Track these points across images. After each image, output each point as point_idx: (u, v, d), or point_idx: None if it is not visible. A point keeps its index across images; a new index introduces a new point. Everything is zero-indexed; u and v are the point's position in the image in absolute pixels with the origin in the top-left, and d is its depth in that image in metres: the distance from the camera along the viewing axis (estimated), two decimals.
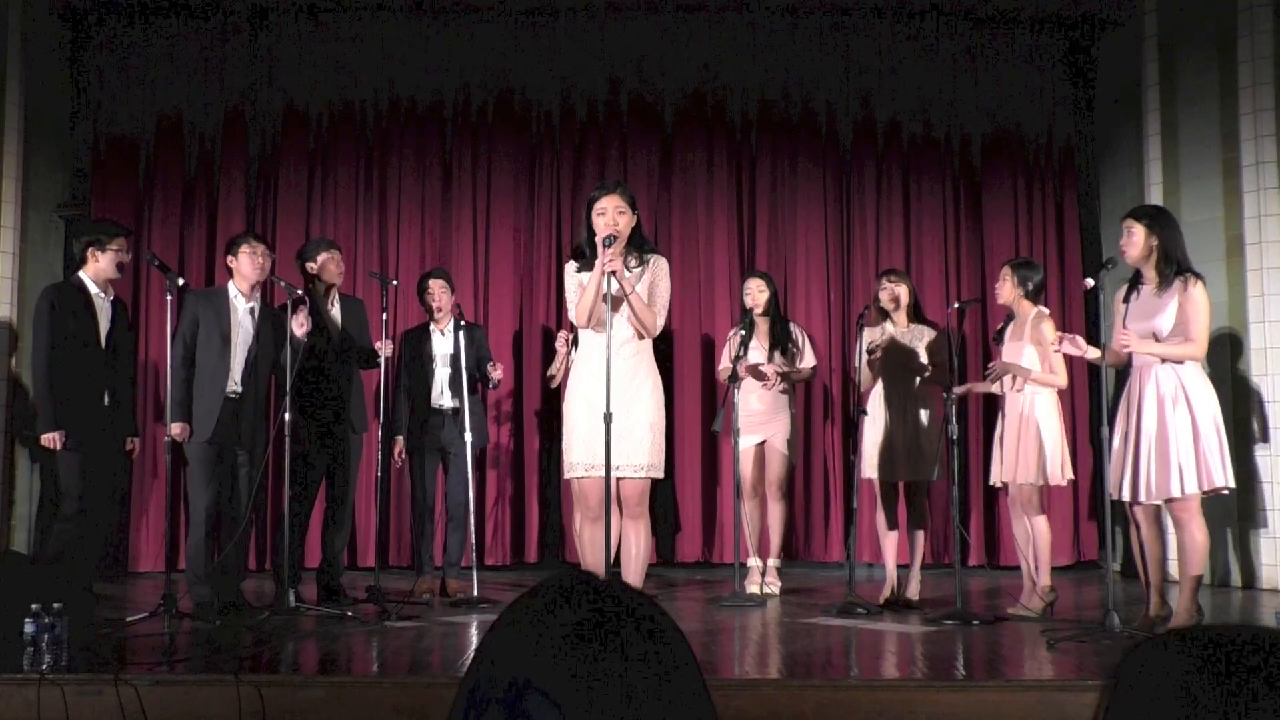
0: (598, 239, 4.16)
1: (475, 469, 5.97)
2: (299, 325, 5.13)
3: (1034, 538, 5.21)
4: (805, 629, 4.78)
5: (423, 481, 5.98)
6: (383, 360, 5.39)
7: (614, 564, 4.19)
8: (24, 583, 4.06)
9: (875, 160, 7.59)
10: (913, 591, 5.59)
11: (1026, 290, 5.27)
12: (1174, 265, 4.54)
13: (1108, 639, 4.20)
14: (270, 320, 5.34)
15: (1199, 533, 4.48)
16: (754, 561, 6.03)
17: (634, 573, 4.23)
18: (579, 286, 4.29)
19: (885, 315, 5.73)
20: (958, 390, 5.34)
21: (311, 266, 5.66)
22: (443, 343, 6.01)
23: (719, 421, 6.10)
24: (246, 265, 5.25)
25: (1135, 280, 4.70)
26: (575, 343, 4.66)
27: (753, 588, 5.87)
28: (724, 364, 6.13)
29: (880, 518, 5.65)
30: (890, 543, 5.64)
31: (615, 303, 4.09)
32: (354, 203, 7.41)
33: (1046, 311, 5.33)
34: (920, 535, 5.63)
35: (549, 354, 6.27)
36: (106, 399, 5.23)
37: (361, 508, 6.65)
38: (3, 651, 3.71)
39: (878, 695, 3.46)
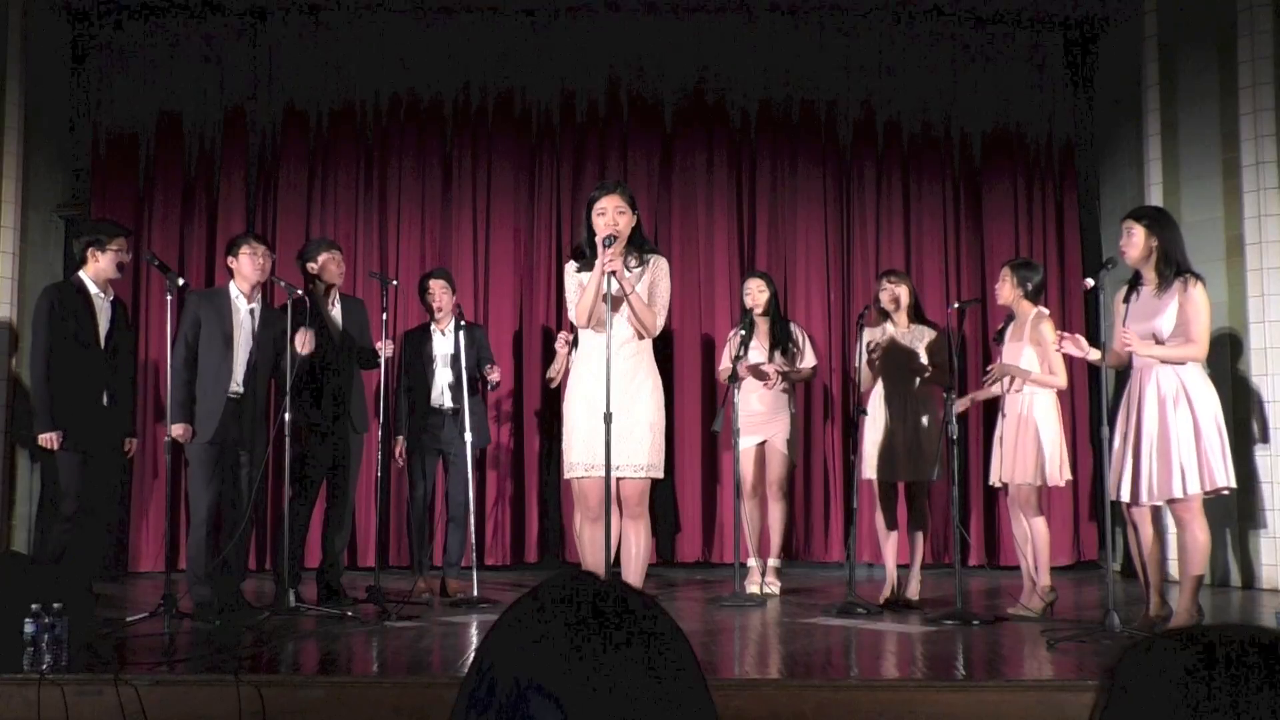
0: (598, 239, 4.16)
1: (475, 469, 5.97)
2: (301, 344, 5.14)
3: (1032, 538, 5.21)
4: (805, 629, 4.77)
5: (423, 481, 5.98)
6: (383, 360, 5.39)
7: (614, 564, 4.19)
8: (24, 583, 4.06)
9: (875, 160, 7.59)
10: (913, 591, 5.59)
11: (1026, 290, 5.27)
12: (1174, 266, 4.54)
13: (1108, 639, 4.19)
14: (271, 321, 5.34)
15: (1201, 533, 4.48)
16: (754, 561, 6.03)
17: (634, 573, 4.23)
18: (579, 286, 4.29)
19: (885, 316, 5.73)
20: (958, 407, 5.35)
21: (312, 267, 5.66)
22: (443, 343, 6.01)
23: (719, 421, 6.10)
24: (247, 266, 5.26)
25: (1135, 281, 4.70)
26: (575, 343, 4.66)
27: (753, 588, 5.87)
28: (724, 364, 6.13)
29: (879, 518, 5.65)
30: (890, 543, 5.64)
31: (615, 303, 4.09)
32: (354, 203, 7.41)
33: (1046, 312, 5.33)
34: (920, 536, 5.63)
35: (549, 354, 6.27)
36: (105, 399, 5.23)
37: (361, 508, 6.65)
38: (3, 651, 3.71)
39: (878, 695, 3.46)
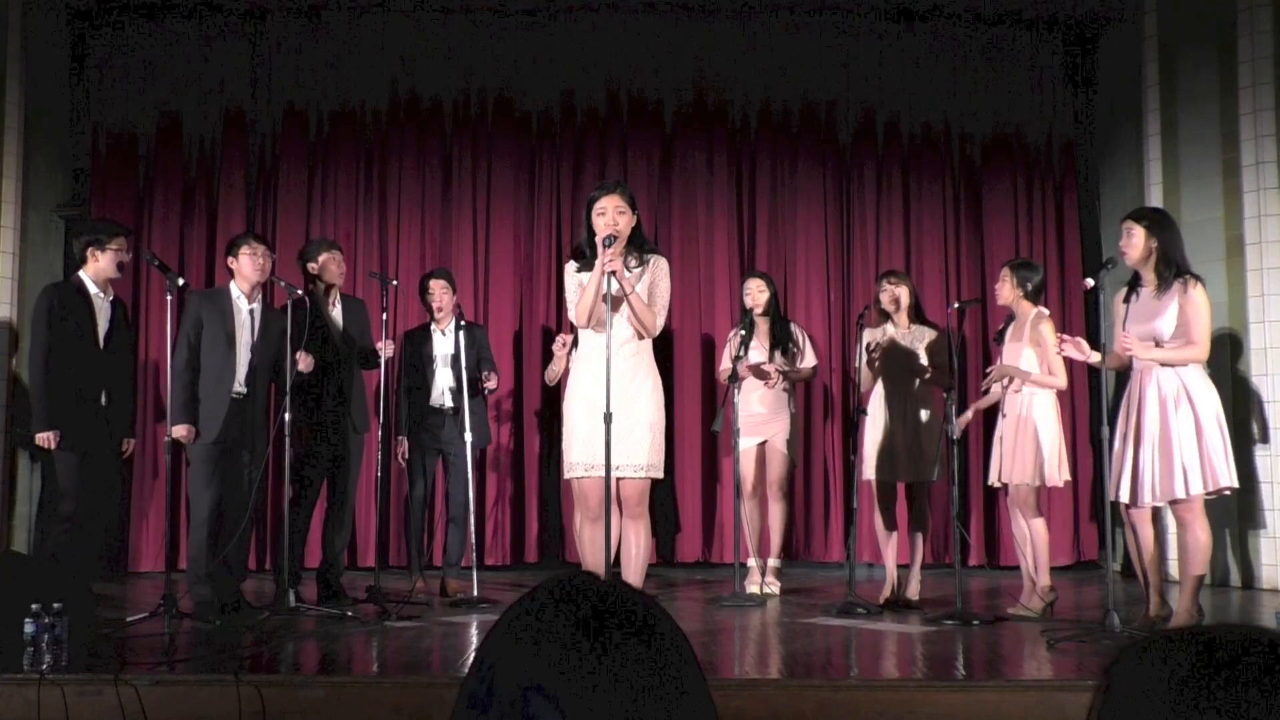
0: (598, 239, 4.16)
1: (475, 469, 5.97)
2: (302, 364, 5.15)
3: (1031, 538, 5.21)
4: (805, 629, 4.77)
5: (422, 481, 5.98)
6: (384, 361, 5.39)
7: (614, 564, 4.19)
8: (24, 583, 4.06)
9: (875, 160, 7.59)
10: (913, 591, 5.60)
11: (1026, 291, 5.27)
12: (1173, 268, 4.55)
13: (1108, 639, 4.19)
14: (272, 321, 5.34)
15: (1202, 533, 4.48)
16: (754, 561, 6.03)
17: (634, 573, 4.23)
18: (579, 286, 4.29)
19: (886, 316, 5.73)
20: (961, 423, 5.36)
21: (313, 267, 5.66)
22: (444, 343, 6.02)
23: (719, 421, 6.10)
24: (247, 266, 5.25)
25: (1134, 282, 4.70)
26: (575, 344, 4.66)
27: (753, 588, 5.87)
28: (724, 364, 6.13)
29: (879, 519, 5.65)
30: (890, 543, 5.65)
31: (615, 303, 4.09)
32: (354, 203, 7.42)
33: (1046, 312, 5.32)
34: (920, 536, 5.64)
35: (549, 354, 6.27)
36: (104, 399, 5.22)
37: (361, 508, 6.65)
38: (3, 651, 3.71)
39: (878, 695, 3.46)
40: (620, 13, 7.48)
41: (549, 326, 7.29)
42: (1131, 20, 7.13)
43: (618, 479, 4.16)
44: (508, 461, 7.25)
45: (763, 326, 6.08)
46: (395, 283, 6.11)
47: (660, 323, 4.31)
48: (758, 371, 5.92)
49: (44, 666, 3.55)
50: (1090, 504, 7.23)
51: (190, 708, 3.38)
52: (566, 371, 5.26)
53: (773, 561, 6.05)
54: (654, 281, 4.29)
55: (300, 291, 5.41)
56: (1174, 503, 4.50)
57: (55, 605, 3.69)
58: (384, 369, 5.39)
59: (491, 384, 6.00)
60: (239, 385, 5.20)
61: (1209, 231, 6.50)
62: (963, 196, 7.60)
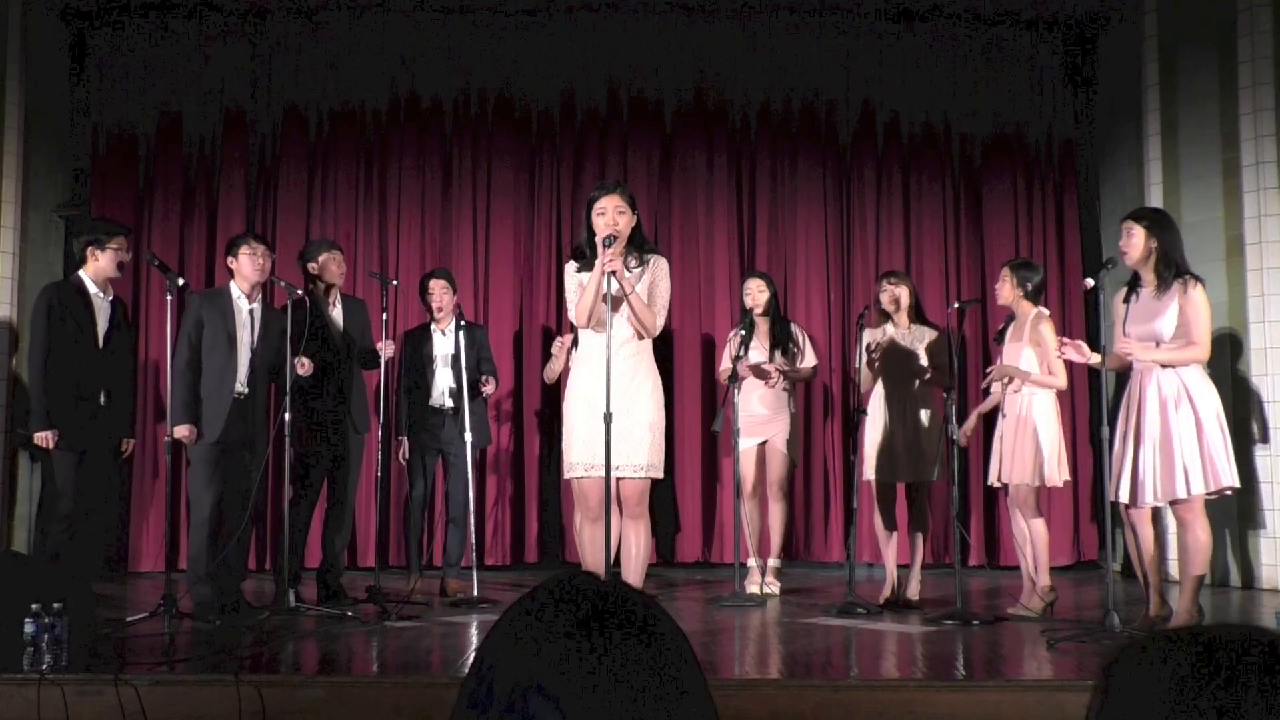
0: (598, 239, 4.16)
1: (475, 469, 5.97)
2: (301, 368, 5.16)
3: (1031, 538, 5.21)
4: (805, 629, 4.77)
5: (422, 481, 5.98)
6: (384, 361, 5.39)
7: (614, 564, 4.19)
8: (24, 583, 4.06)
9: (875, 160, 7.59)
10: (913, 591, 5.60)
11: (1026, 291, 5.27)
12: (1173, 268, 4.55)
13: (1108, 639, 4.19)
14: (272, 320, 5.34)
15: (1202, 533, 4.48)
16: (754, 561, 6.03)
17: (634, 573, 4.23)
18: (579, 286, 4.29)
19: (886, 317, 5.73)
20: (964, 434, 5.36)
21: (313, 267, 5.66)
22: (444, 343, 6.02)
23: (719, 421, 6.10)
24: (247, 266, 5.25)
25: (1134, 282, 4.70)
26: (575, 344, 4.66)
27: (753, 588, 5.87)
28: (724, 364, 6.13)
29: (878, 519, 5.66)
30: (890, 543, 5.65)
31: (615, 303, 4.09)
32: (354, 203, 7.41)
33: (1046, 312, 5.32)
34: (920, 536, 5.64)
35: (549, 354, 6.27)
36: (103, 398, 5.22)
37: (361, 508, 6.64)
38: (3, 651, 3.71)
39: (878, 695, 3.46)
40: (620, 13, 7.48)
41: (549, 326, 7.29)
42: (1131, 20, 7.13)
43: (618, 479, 4.16)
44: (508, 461, 7.25)
45: (763, 326, 6.08)
46: (395, 283, 6.11)
47: (660, 323, 4.31)
48: (758, 371, 5.91)
49: (44, 666, 3.55)
50: (1090, 504, 7.23)
51: (190, 708, 3.38)
52: (566, 371, 5.26)
53: (773, 561, 6.05)
54: (654, 281, 4.29)
55: (300, 291, 5.41)
56: (1174, 503, 4.50)
57: (55, 605, 3.69)
58: (384, 369, 5.39)
59: (489, 389, 6.00)
60: (240, 385, 5.20)
61: (1209, 231, 6.50)
62: (963, 196, 7.60)
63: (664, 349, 6.75)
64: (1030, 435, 5.11)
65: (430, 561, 6.35)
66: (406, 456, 6.02)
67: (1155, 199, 6.71)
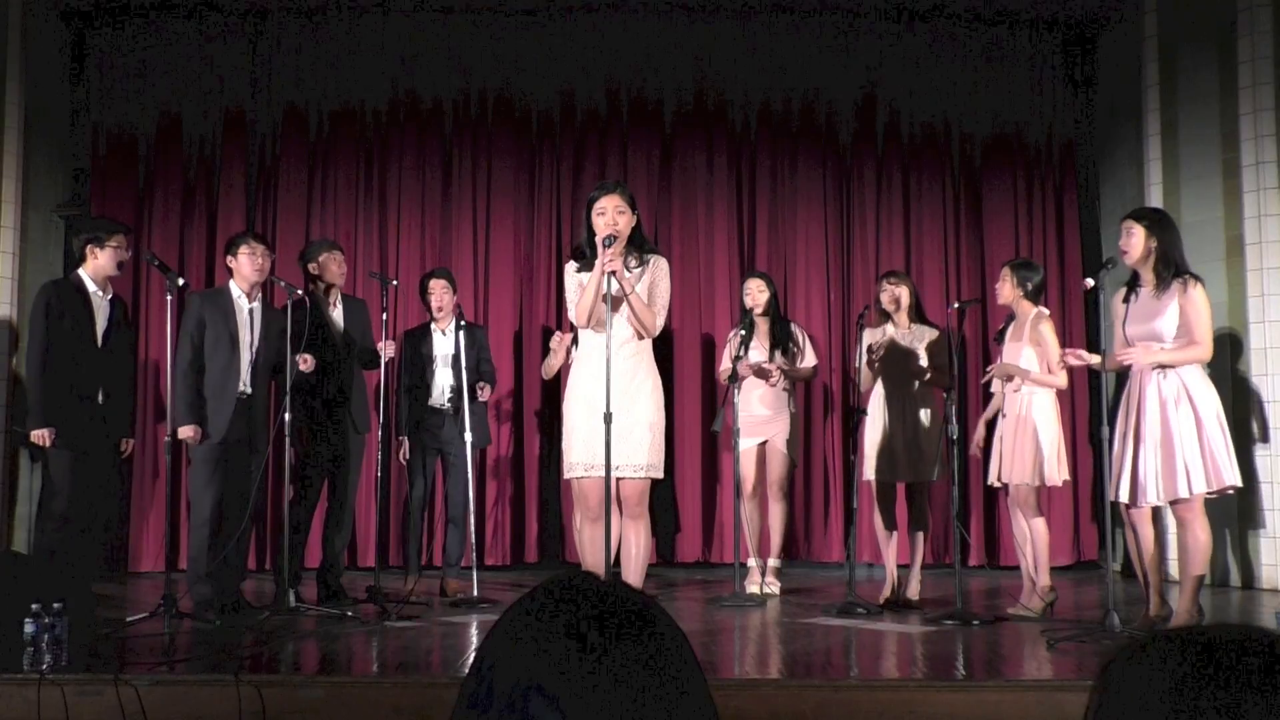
0: (598, 239, 4.16)
1: (475, 469, 5.97)
2: (303, 364, 5.16)
3: (1032, 538, 5.21)
4: (805, 629, 4.78)
5: (422, 481, 5.98)
6: (384, 361, 5.39)
7: (614, 564, 4.19)
8: (24, 583, 4.06)
9: (875, 160, 7.59)
10: (913, 591, 5.60)
11: (1026, 290, 5.27)
12: (1172, 268, 4.55)
13: (1108, 639, 4.19)
14: (272, 320, 5.34)
15: (1202, 533, 4.48)
16: (754, 561, 6.03)
17: (634, 573, 4.23)
18: (579, 286, 4.29)
19: (886, 316, 5.73)
20: (974, 442, 5.37)
21: (313, 267, 5.66)
22: (444, 343, 6.01)
23: (719, 421, 6.10)
24: (246, 265, 5.24)
25: (1133, 282, 4.70)
26: (575, 342, 4.66)
27: (753, 588, 5.87)
28: (724, 364, 6.13)
29: (878, 519, 5.66)
30: (890, 543, 5.65)
31: (615, 303, 4.09)
32: (354, 203, 7.41)
33: (1046, 312, 5.33)
34: (920, 535, 5.64)
35: (549, 351, 6.26)
36: (101, 397, 5.21)
37: (361, 508, 6.64)
38: (3, 651, 3.71)
39: (878, 695, 3.46)
40: (620, 13, 7.48)
41: (549, 326, 7.29)
42: (1131, 20, 7.13)
43: (618, 479, 4.16)
44: (508, 461, 7.25)
45: (763, 326, 6.08)
46: (395, 283, 6.11)
47: (660, 323, 4.31)
48: (759, 371, 5.91)
49: (44, 666, 3.55)
50: (1090, 504, 7.23)
51: (190, 708, 3.38)
52: (566, 371, 5.26)
53: (773, 561, 6.05)
54: (654, 281, 4.29)
55: (300, 292, 5.41)
56: (1174, 502, 4.51)
57: (55, 605, 3.69)
58: (384, 369, 5.39)
59: (485, 395, 5.99)
60: (244, 385, 5.19)
61: (1209, 231, 6.50)
62: (963, 196, 7.60)
63: (664, 349, 6.75)
64: (1030, 435, 5.11)
65: (430, 562, 6.35)
66: (407, 456, 6.02)
67: (1155, 199, 6.71)
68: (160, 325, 6.94)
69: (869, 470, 5.60)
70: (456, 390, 5.85)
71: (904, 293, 5.69)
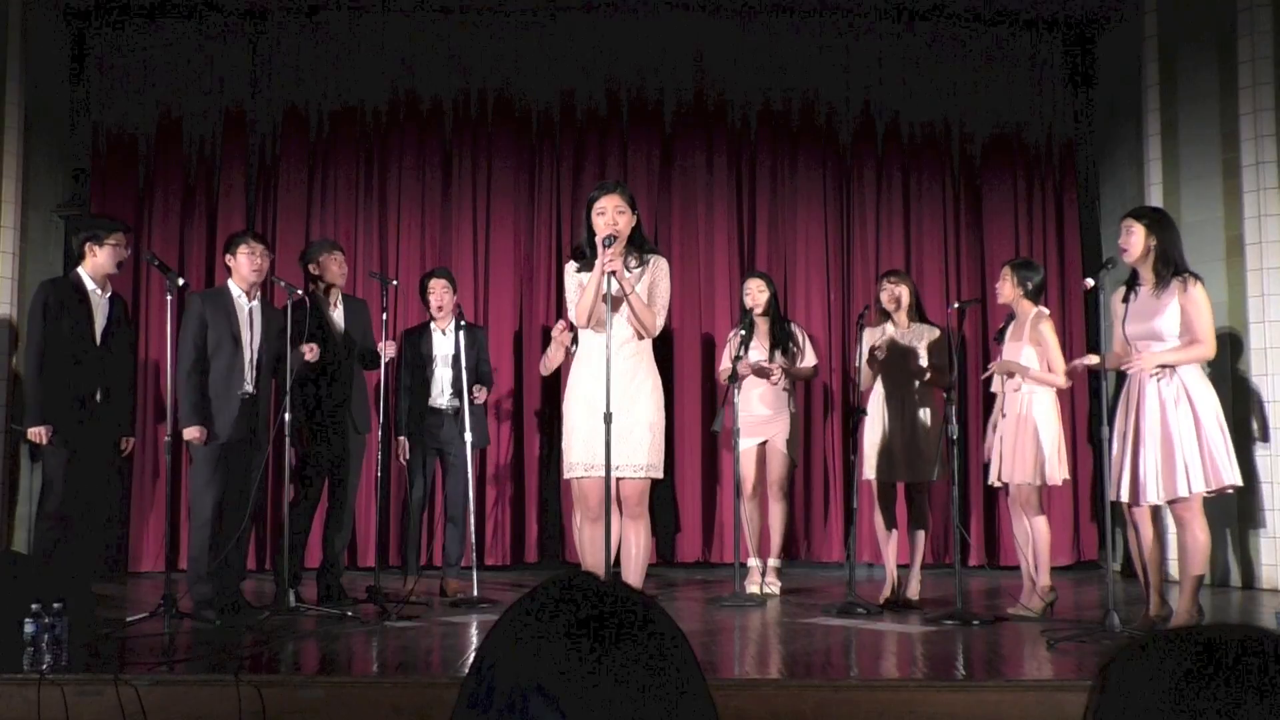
0: (598, 239, 4.16)
1: (475, 469, 5.97)
2: (308, 352, 5.16)
3: (1033, 537, 5.21)
4: (805, 629, 4.78)
5: (422, 481, 5.98)
6: (384, 361, 5.39)
7: (614, 564, 4.19)
8: (24, 583, 4.06)
9: (875, 160, 7.59)
10: (913, 591, 5.60)
11: (1026, 290, 5.28)
12: (1171, 266, 4.55)
13: (1108, 639, 4.20)
14: (272, 319, 5.34)
15: (1201, 533, 4.48)
16: (754, 561, 6.03)
17: (634, 573, 4.23)
18: (579, 286, 4.29)
19: (886, 316, 5.73)
20: (988, 450, 5.37)
21: (314, 268, 5.66)
22: (443, 343, 6.01)
23: (719, 421, 6.10)
24: (245, 265, 5.24)
25: (1132, 281, 4.71)
26: (575, 341, 4.66)
27: (753, 588, 5.87)
28: (724, 364, 6.13)
29: (879, 518, 5.66)
30: (890, 543, 5.65)
31: (615, 303, 4.09)
32: (354, 203, 7.41)
33: (1046, 312, 5.33)
34: (921, 535, 5.64)
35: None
36: (99, 396, 5.20)
37: (361, 508, 6.64)
38: (3, 651, 3.71)
39: (878, 695, 3.46)
40: (620, 13, 7.47)
41: (549, 326, 7.27)
42: (1131, 20, 7.13)
43: (618, 479, 4.16)
44: (507, 461, 7.25)
45: (763, 326, 6.08)
46: (395, 283, 6.11)
47: (660, 323, 4.32)
48: (760, 370, 5.91)
49: (44, 666, 3.55)
50: (1090, 504, 7.23)
51: (190, 708, 3.38)
52: (566, 371, 5.26)
53: (773, 561, 6.05)
54: (654, 281, 4.29)
55: (300, 292, 5.41)
56: (1172, 502, 4.51)
57: (55, 605, 3.69)
58: (384, 369, 5.39)
59: (481, 398, 5.98)
60: (248, 384, 5.19)
61: (1209, 231, 6.50)
62: (963, 196, 7.60)
63: (664, 349, 6.75)
64: (1031, 434, 5.12)
65: (430, 562, 6.34)
66: (407, 457, 6.01)
67: (1155, 199, 6.71)
68: (160, 325, 6.94)
69: (869, 470, 5.60)
70: (456, 390, 5.85)
71: (904, 292, 5.69)
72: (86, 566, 5.19)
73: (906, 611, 5.35)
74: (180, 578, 5.11)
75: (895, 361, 5.61)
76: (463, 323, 5.85)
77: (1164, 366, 4.49)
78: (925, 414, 5.56)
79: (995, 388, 5.47)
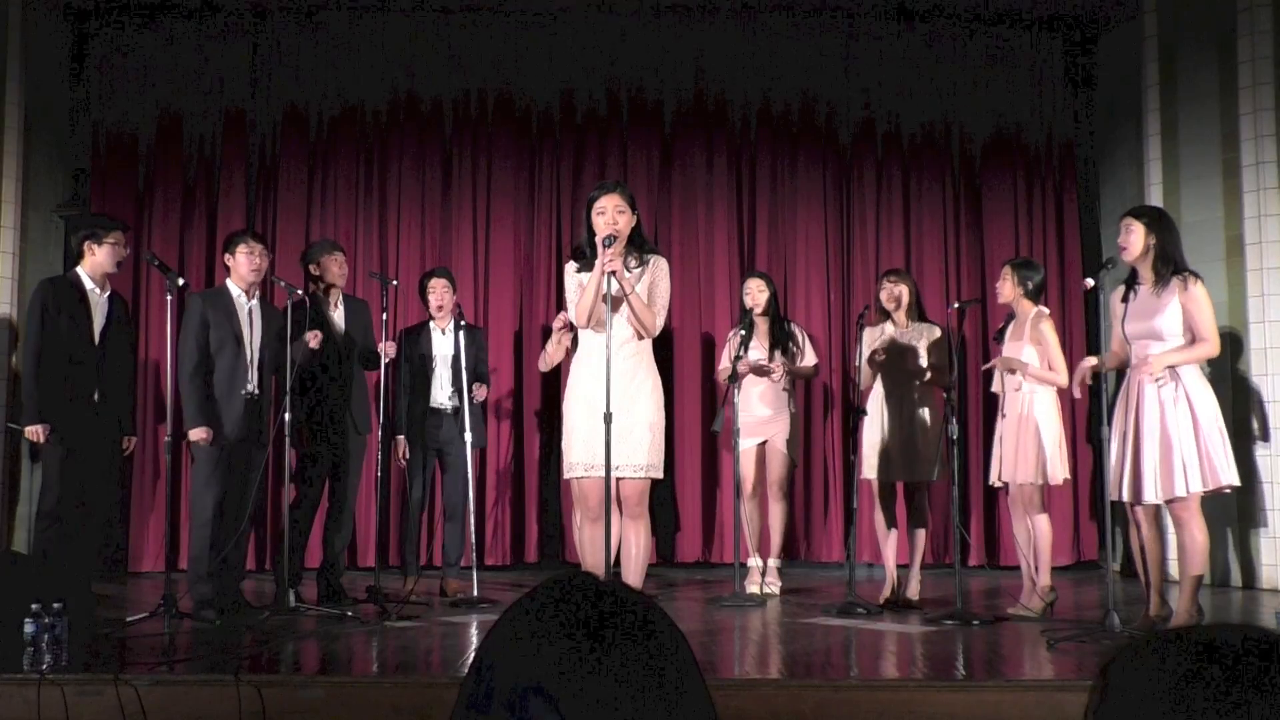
0: (597, 239, 4.16)
1: (475, 469, 5.96)
2: (312, 339, 5.16)
3: (1035, 537, 5.21)
4: (805, 629, 4.78)
5: (421, 480, 5.97)
6: (385, 362, 5.39)
7: (614, 564, 4.19)
8: (24, 583, 4.06)
9: (875, 160, 7.59)
10: (913, 591, 5.59)
11: (1027, 290, 5.28)
12: (1171, 265, 4.55)
13: (1108, 639, 4.20)
14: (271, 318, 5.33)
15: (1199, 532, 4.48)
16: (754, 561, 6.03)
17: (634, 573, 4.23)
18: (579, 286, 4.29)
19: (886, 315, 5.73)
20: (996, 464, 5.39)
21: (314, 268, 5.66)
22: (443, 342, 6.01)
23: (719, 421, 6.10)
24: (244, 264, 5.23)
25: (1131, 280, 4.71)
26: (575, 341, 4.66)
27: (753, 588, 5.87)
28: (724, 364, 6.12)
29: (879, 518, 5.66)
30: (890, 543, 5.65)
31: (615, 303, 4.09)
32: (354, 203, 7.41)
33: (1046, 311, 5.33)
34: (921, 535, 5.63)
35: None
36: (99, 396, 5.19)
37: (361, 508, 6.64)
38: (3, 651, 3.71)
39: (878, 695, 3.46)
40: (620, 13, 7.47)
41: (549, 326, 7.28)
42: (1131, 20, 7.13)
43: (618, 479, 4.16)
44: (507, 461, 7.25)
45: (762, 326, 6.08)
46: (395, 283, 6.11)
47: (660, 323, 4.31)
48: (760, 369, 5.91)
49: (44, 666, 3.55)
50: (1090, 503, 7.23)
51: (190, 708, 3.38)
52: (566, 371, 5.25)
53: (773, 561, 6.05)
54: (654, 281, 4.29)
55: (300, 292, 5.41)
56: (1170, 502, 4.51)
57: (55, 605, 3.69)
58: (383, 369, 5.39)
59: (480, 396, 5.99)
60: (251, 384, 5.18)
61: (1209, 231, 6.50)
62: (963, 196, 7.60)
63: (664, 349, 6.75)
64: (1032, 434, 5.12)
65: (430, 562, 6.34)
66: (407, 457, 6.01)
67: (1155, 199, 6.71)
68: (160, 325, 6.94)
69: (868, 469, 5.60)
70: (455, 390, 5.85)
71: (904, 291, 5.69)
72: (86, 566, 5.19)
73: (906, 611, 5.35)
74: (180, 578, 5.11)
75: (895, 361, 5.61)
76: (462, 323, 5.85)
77: (1170, 368, 4.48)
78: (925, 414, 5.56)
79: (996, 388, 5.47)
